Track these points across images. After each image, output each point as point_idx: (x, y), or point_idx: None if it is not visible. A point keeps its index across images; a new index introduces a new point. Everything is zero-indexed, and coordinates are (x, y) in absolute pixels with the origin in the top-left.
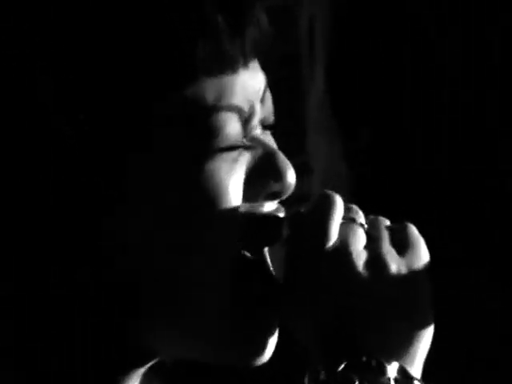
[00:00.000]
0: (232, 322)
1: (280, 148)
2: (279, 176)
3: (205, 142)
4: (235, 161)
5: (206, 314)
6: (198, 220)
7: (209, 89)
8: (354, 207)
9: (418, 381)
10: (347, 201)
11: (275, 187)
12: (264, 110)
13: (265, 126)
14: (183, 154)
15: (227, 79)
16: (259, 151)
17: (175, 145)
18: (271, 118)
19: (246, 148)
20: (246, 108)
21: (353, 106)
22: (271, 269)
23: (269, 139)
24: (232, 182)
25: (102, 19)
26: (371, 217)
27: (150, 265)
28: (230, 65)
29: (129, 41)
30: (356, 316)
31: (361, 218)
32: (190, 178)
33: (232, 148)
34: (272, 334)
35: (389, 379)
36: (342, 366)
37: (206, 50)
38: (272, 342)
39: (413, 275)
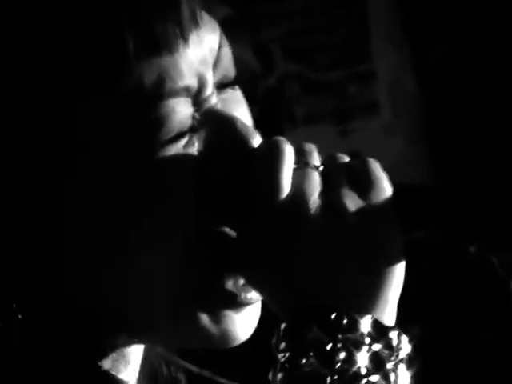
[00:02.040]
0: (198, 304)
1: (342, 55)
2: (240, 144)
3: (150, 136)
4: (187, 146)
5: (168, 305)
6: (150, 217)
7: (146, 77)
8: (307, 148)
9: (393, 330)
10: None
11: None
12: (220, 71)
13: (225, 84)
14: (127, 152)
15: (166, 62)
16: (214, 124)
17: (117, 143)
18: (231, 74)
19: (198, 128)
20: (194, 83)
21: (426, 13)
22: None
23: (231, 99)
24: (184, 171)
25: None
26: (328, 155)
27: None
28: (165, 46)
29: (46, 36)
30: (318, 271)
31: (315, 159)
32: (137, 175)
33: (181, 134)
34: (242, 306)
35: (362, 334)
36: (310, 328)
37: (132, 34)
38: (249, 316)
39: (375, 215)
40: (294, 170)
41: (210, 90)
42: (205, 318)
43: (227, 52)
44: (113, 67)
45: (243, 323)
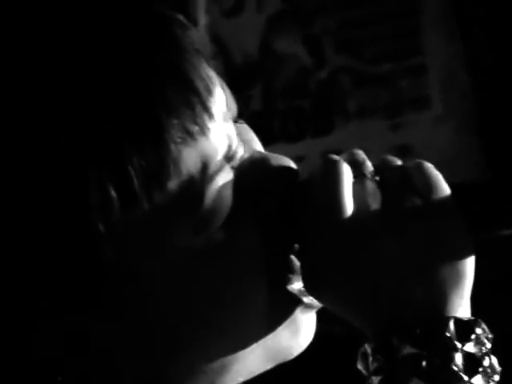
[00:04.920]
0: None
1: (394, 48)
2: (284, 176)
3: (207, 219)
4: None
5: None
6: (230, 296)
7: (190, 166)
8: (360, 158)
9: (477, 325)
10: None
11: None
12: (229, 111)
13: (235, 120)
14: (190, 246)
15: (202, 144)
16: (253, 174)
17: (176, 241)
18: (235, 108)
19: (243, 186)
20: (226, 146)
21: (478, 5)
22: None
23: (242, 131)
24: (246, 232)
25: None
26: (380, 160)
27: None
28: (198, 130)
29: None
30: (393, 283)
31: (369, 168)
32: (208, 257)
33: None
34: (309, 310)
35: (451, 339)
36: (399, 346)
37: (169, 130)
38: (307, 329)
39: (439, 217)
40: (353, 183)
41: (236, 141)
42: (286, 338)
43: (226, 89)
44: (157, 170)
45: (310, 327)
